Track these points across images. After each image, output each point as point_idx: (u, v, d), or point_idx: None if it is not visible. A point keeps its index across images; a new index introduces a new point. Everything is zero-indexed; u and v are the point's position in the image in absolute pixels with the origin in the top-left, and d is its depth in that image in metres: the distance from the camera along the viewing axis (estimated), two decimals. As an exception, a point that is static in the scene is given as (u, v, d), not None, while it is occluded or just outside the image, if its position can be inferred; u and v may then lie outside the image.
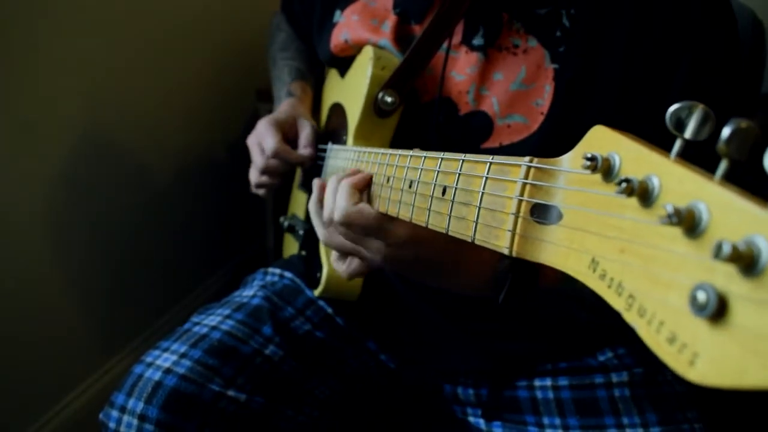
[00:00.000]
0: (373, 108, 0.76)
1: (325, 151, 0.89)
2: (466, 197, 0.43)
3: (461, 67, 0.73)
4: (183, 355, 0.72)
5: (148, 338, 1.42)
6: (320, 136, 0.95)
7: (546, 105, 0.68)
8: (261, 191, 0.96)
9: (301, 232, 0.97)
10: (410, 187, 0.52)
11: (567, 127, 0.66)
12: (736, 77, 0.65)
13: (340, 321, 0.86)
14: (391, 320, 0.86)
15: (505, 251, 0.36)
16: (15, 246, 1.09)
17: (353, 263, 0.66)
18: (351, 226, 0.58)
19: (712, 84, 0.64)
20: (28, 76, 1.06)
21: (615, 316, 0.28)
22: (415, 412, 0.92)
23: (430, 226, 0.49)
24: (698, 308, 0.22)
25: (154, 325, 1.47)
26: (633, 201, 0.27)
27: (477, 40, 0.72)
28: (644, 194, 0.26)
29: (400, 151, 0.57)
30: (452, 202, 0.45)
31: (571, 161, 0.33)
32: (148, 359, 0.72)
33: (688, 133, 0.28)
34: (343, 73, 0.90)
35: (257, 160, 0.91)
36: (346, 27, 0.84)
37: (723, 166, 0.25)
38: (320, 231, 0.68)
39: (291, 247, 1.07)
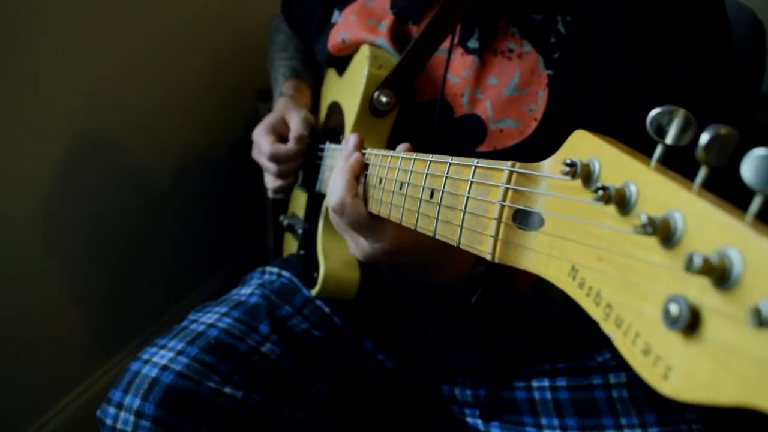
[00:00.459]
0: (369, 107, 0.76)
1: (323, 150, 0.89)
2: (453, 201, 0.42)
3: (457, 70, 0.73)
4: (180, 353, 0.72)
5: (148, 338, 1.42)
6: (318, 134, 0.95)
7: (540, 111, 0.67)
8: (279, 195, 0.97)
9: (300, 231, 0.97)
10: (401, 189, 0.52)
11: (560, 133, 0.65)
12: (730, 84, 0.65)
13: (337, 320, 0.86)
14: (389, 319, 0.86)
15: (488, 257, 0.35)
16: (15, 246, 1.09)
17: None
18: (342, 216, 0.59)
19: (707, 93, 0.63)
20: (28, 76, 1.06)
21: (586, 323, 0.27)
22: (413, 411, 0.92)
23: (418, 229, 0.48)
24: (671, 321, 0.22)
25: (154, 325, 1.47)
26: (611, 209, 0.27)
27: (472, 43, 0.72)
28: (621, 202, 0.26)
29: (391, 153, 0.56)
30: (439, 206, 0.44)
31: (551, 166, 0.32)
32: (145, 356, 0.73)
33: (669, 139, 0.27)
34: (341, 72, 0.90)
35: (266, 167, 0.92)
36: (343, 27, 0.84)
37: (702, 173, 0.24)
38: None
39: (291, 246, 1.07)
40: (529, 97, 0.68)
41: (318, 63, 1.04)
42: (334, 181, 0.61)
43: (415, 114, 0.77)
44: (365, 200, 0.60)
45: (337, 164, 0.63)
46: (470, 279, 0.60)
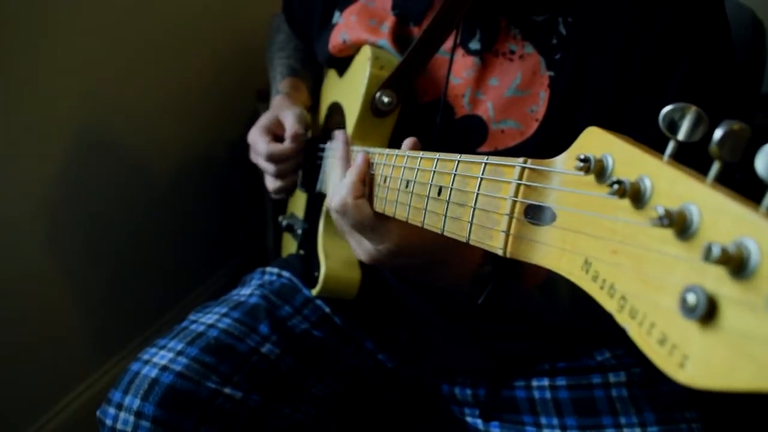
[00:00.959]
0: (371, 108, 0.76)
1: (323, 150, 0.89)
2: (462, 198, 0.43)
3: (458, 71, 0.73)
4: (179, 353, 0.72)
5: (148, 338, 1.42)
6: (318, 134, 0.95)
7: (541, 111, 0.68)
8: (281, 196, 0.96)
9: (299, 231, 0.97)
10: (407, 187, 0.52)
11: (562, 133, 0.66)
12: (731, 84, 0.66)
13: (337, 320, 0.86)
14: (390, 319, 0.86)
15: (499, 252, 0.36)
16: (15, 246, 1.09)
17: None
18: (345, 217, 0.58)
19: (707, 92, 0.64)
20: (28, 76, 1.06)
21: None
22: (413, 411, 0.92)
23: (425, 226, 0.49)
24: (688, 310, 0.22)
25: (154, 325, 1.47)
26: (625, 202, 0.27)
27: (474, 44, 0.72)
28: (636, 196, 0.26)
29: (396, 151, 0.57)
30: (447, 203, 0.45)
31: (564, 162, 0.33)
32: (145, 356, 0.73)
33: (681, 135, 0.28)
34: (341, 72, 0.90)
35: (264, 168, 0.92)
36: (344, 27, 0.84)
37: (715, 168, 0.25)
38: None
39: (289, 246, 1.07)
40: (531, 98, 0.69)
41: (318, 63, 1.04)
42: (336, 182, 0.61)
43: (416, 115, 0.77)
44: (370, 200, 0.60)
45: (332, 163, 0.63)
46: (476, 279, 0.60)
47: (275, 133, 0.91)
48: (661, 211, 0.23)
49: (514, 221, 0.35)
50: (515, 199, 0.35)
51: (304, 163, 0.92)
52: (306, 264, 0.88)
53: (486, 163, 0.40)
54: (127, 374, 0.71)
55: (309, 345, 0.82)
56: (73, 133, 1.18)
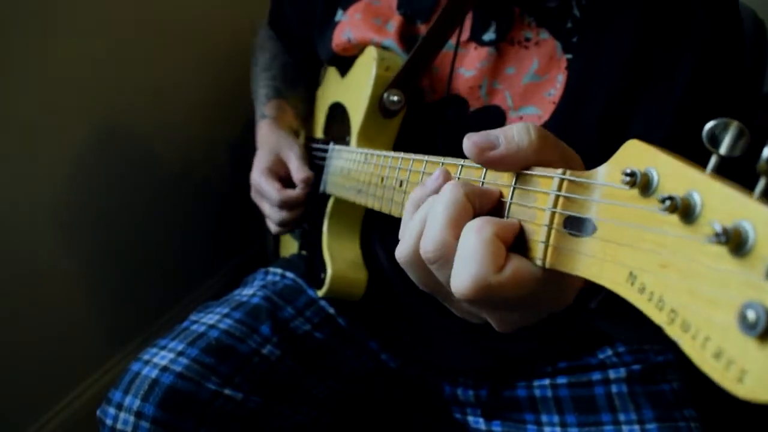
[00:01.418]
0: (379, 108, 0.76)
1: (326, 151, 0.89)
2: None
3: (471, 63, 0.73)
4: (180, 353, 0.72)
5: (148, 338, 1.41)
6: (319, 137, 0.94)
7: (558, 94, 0.68)
8: (284, 230, 0.93)
9: (299, 232, 0.97)
10: None
11: (576, 115, 0.67)
12: (740, 74, 0.66)
13: (341, 321, 0.86)
14: (393, 319, 0.86)
15: (539, 262, 0.36)
16: (15, 246, 1.08)
17: None
18: (492, 296, 0.35)
19: (724, 71, 0.64)
20: (28, 76, 1.05)
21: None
22: (415, 412, 0.92)
23: None
24: (748, 327, 0.23)
25: (154, 325, 1.46)
26: (674, 217, 0.28)
27: (488, 36, 0.72)
28: (686, 211, 0.27)
29: (413, 156, 0.55)
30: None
31: (606, 175, 0.33)
32: (146, 357, 0.73)
33: (723, 149, 0.28)
34: (343, 72, 0.90)
35: (269, 213, 0.90)
36: (349, 26, 0.84)
37: (762, 184, 0.25)
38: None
39: (289, 246, 1.07)
40: (548, 83, 0.69)
41: (309, 71, 1.03)
42: (463, 258, 0.36)
43: (424, 114, 0.77)
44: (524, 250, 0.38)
45: (434, 218, 0.39)
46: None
47: (279, 175, 0.90)
48: (718, 228, 0.24)
49: (553, 232, 0.35)
50: (554, 210, 0.35)
51: None
52: (310, 265, 0.88)
53: (518, 173, 0.40)
54: (127, 374, 0.71)
55: (310, 347, 0.82)
56: (73, 134, 1.17)
